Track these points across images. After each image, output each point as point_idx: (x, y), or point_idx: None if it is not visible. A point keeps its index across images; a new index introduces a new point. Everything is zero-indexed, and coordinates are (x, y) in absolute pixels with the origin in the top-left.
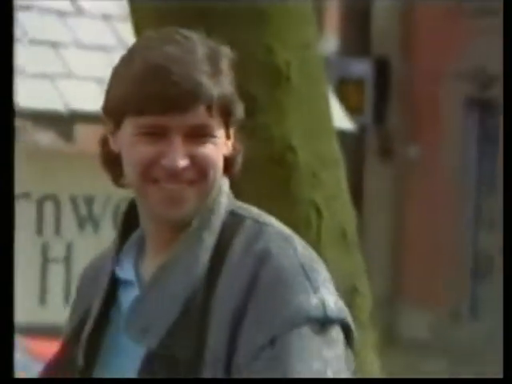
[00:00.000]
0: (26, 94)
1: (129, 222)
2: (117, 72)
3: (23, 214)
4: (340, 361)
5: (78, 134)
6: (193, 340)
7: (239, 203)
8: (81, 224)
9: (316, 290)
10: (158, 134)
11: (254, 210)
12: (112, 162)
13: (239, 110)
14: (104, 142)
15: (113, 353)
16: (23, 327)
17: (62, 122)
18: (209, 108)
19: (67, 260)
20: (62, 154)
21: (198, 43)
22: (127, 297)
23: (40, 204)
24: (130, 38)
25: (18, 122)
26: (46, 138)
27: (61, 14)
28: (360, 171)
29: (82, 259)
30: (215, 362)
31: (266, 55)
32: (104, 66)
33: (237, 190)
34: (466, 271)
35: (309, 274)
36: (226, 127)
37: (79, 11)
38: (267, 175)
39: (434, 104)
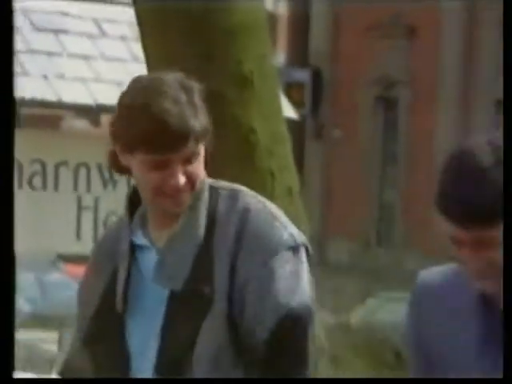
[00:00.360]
0: (67, 93)
1: (133, 202)
2: (122, 113)
3: (64, 177)
4: (307, 273)
5: (104, 121)
6: (205, 279)
7: (211, 179)
8: (104, 184)
9: (285, 228)
10: (162, 165)
11: (223, 182)
12: (120, 169)
13: (209, 125)
14: (113, 156)
15: (141, 298)
16: (64, 256)
17: (92, 113)
18: (196, 139)
19: (95, 209)
20: (92, 135)
21: (179, 90)
22: (143, 257)
23: (76, 169)
24: (140, 53)
25: (62, 113)
26: (80, 123)
27: (91, 36)
28: (302, 147)
29: (105, 208)
30: (221, 292)
31: (236, 66)
32: (121, 73)
33: (215, 164)
34: (374, 215)
35: (278, 219)
36: (204, 138)
37: (104, 34)
38: (236, 151)
39: (353, 101)
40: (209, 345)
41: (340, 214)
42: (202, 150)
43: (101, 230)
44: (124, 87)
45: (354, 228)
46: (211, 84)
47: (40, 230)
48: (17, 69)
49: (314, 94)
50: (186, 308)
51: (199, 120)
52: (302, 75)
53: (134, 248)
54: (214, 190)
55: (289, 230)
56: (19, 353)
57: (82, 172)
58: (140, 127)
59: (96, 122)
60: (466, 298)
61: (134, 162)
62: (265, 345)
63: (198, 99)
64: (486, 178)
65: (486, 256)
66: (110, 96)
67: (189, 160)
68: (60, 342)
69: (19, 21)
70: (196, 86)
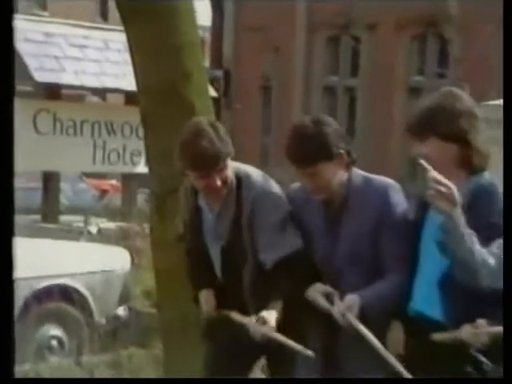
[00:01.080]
0: (87, 81)
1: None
2: (180, 148)
3: (86, 129)
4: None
5: (108, 97)
6: (239, 236)
7: (235, 166)
8: (109, 133)
9: (279, 202)
10: (205, 177)
11: (243, 171)
12: (183, 173)
13: (232, 148)
14: (181, 168)
15: (207, 238)
16: (85, 173)
17: (101, 91)
18: (224, 160)
19: (103, 147)
20: (101, 105)
21: (212, 132)
22: (207, 216)
23: (93, 124)
24: (129, 59)
25: (84, 93)
26: (94, 99)
27: (100, 49)
28: (219, 114)
29: (109, 147)
30: (247, 244)
31: (183, 67)
32: (118, 70)
33: (172, 126)
34: (260, 151)
35: (275, 198)
36: (230, 157)
37: (108, 48)
38: (183, 119)
39: (247, 88)
40: (249, 275)
41: (242, 153)
42: (228, 162)
43: (106, 160)
44: (118, 79)
45: (250, 161)
46: (168, 78)
47: (72, 159)
48: (58, 67)
49: (225, 84)
50: (231, 255)
51: (225, 148)
52: (218, 73)
53: (201, 209)
54: (238, 179)
55: (280, 202)
56: (59, 227)
57: (96, 126)
58: (189, 158)
59: (103, 98)
60: (314, 199)
61: (190, 174)
62: (271, 269)
63: (223, 134)
64: (304, 140)
65: (312, 181)
66: (111, 83)
67: (221, 170)
68: (85, 222)
69: (59, 40)
70: (219, 125)
